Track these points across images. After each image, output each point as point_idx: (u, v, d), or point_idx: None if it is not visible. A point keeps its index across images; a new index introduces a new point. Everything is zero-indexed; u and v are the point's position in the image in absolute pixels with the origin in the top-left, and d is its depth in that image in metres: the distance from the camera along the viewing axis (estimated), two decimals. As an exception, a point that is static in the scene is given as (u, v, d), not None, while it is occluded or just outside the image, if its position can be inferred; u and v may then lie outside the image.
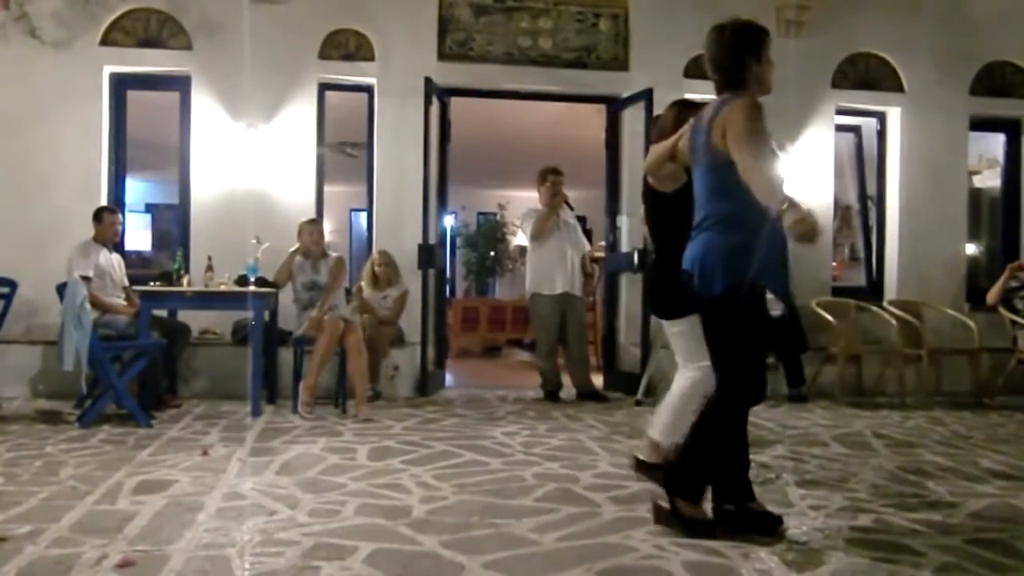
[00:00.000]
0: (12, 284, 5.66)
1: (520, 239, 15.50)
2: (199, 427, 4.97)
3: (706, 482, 2.95)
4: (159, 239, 12.95)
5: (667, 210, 3.62)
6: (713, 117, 2.90)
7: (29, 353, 6.17)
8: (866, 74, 7.37)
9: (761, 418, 5.44)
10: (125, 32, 6.53)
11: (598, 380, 7.45)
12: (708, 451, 2.92)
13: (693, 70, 7.03)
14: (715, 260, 2.85)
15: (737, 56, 2.93)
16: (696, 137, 3.03)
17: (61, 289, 5.06)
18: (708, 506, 2.96)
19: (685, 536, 2.83)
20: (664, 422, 3.58)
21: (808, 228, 2.57)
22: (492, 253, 14.90)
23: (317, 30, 6.67)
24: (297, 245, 5.93)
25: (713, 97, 3.06)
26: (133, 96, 6.74)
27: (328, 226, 7.65)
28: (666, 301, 3.71)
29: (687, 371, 3.59)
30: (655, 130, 3.82)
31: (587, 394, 6.48)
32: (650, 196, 3.72)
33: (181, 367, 6.18)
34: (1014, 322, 6.75)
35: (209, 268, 5.84)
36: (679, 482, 2.94)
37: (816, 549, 2.74)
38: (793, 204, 2.63)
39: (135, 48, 6.53)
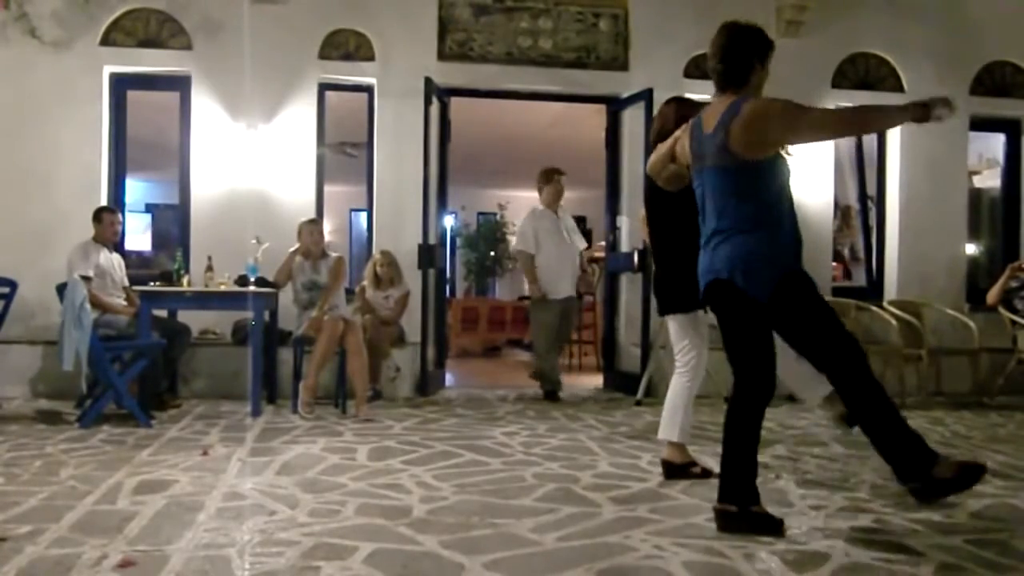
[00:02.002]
0: (12, 284, 5.67)
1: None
2: (199, 427, 4.97)
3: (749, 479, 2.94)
4: (159, 239, 12.96)
5: (670, 209, 3.65)
6: (729, 119, 2.87)
7: (29, 353, 6.17)
8: (866, 74, 7.37)
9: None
10: (125, 32, 6.53)
11: (598, 380, 7.48)
12: (740, 451, 2.93)
13: (693, 70, 7.04)
14: (757, 260, 2.88)
15: (745, 56, 2.97)
16: (702, 140, 3.01)
17: (61, 289, 5.06)
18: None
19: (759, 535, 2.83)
20: (672, 421, 3.75)
21: (941, 106, 2.69)
22: (492, 253, 14.91)
23: (317, 30, 6.67)
24: (297, 245, 5.93)
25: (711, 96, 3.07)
26: (133, 96, 6.74)
27: (328, 226, 7.66)
28: (668, 297, 3.76)
29: (681, 366, 3.79)
30: (655, 127, 3.85)
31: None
32: (654, 195, 3.74)
33: (181, 367, 6.18)
34: (1014, 322, 6.75)
35: (209, 268, 5.84)
36: (733, 489, 2.94)
37: (816, 549, 2.74)
38: (905, 107, 2.77)
39: (135, 48, 6.53)
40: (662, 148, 3.44)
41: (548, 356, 6.56)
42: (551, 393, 6.47)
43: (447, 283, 9.18)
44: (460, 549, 2.70)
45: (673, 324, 3.84)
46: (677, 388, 3.79)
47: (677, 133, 3.33)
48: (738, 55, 2.96)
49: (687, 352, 3.79)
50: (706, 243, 3.04)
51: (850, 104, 7.14)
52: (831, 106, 7.08)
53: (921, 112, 2.74)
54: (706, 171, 3.01)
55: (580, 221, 15.67)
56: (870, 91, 7.34)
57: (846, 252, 8.52)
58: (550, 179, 6.62)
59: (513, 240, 15.17)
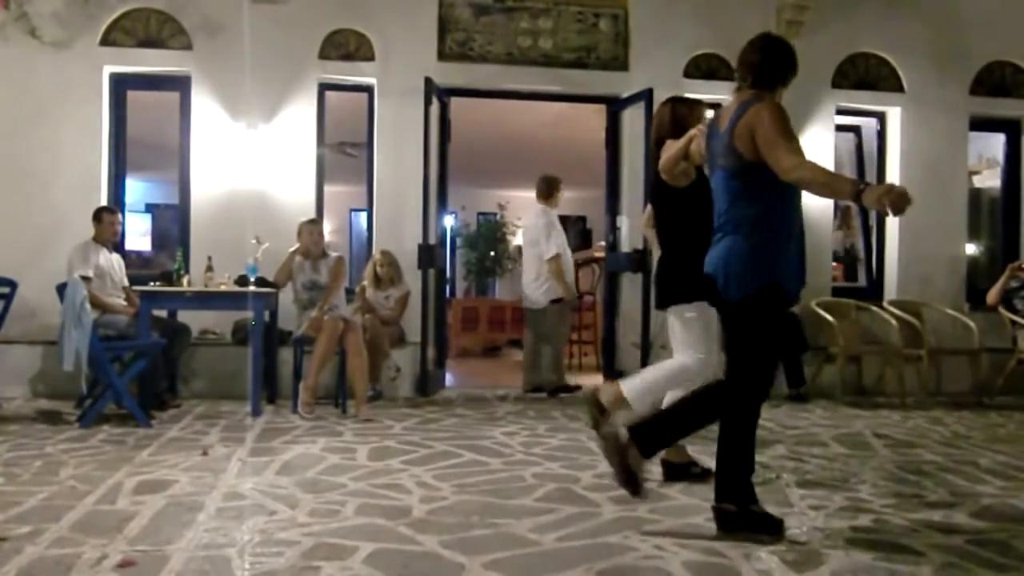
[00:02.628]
0: (12, 284, 5.66)
1: (522, 239, 15.53)
2: (199, 427, 4.97)
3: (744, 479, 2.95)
4: (159, 239, 12.96)
5: (677, 204, 3.65)
6: (736, 120, 2.90)
7: (29, 353, 6.17)
8: (866, 74, 7.36)
9: (761, 418, 5.41)
10: (125, 32, 6.53)
11: (598, 380, 7.47)
12: (734, 449, 2.95)
13: (693, 70, 7.04)
14: (739, 263, 2.88)
15: (779, 70, 3.00)
16: (714, 140, 3.03)
17: (61, 289, 5.05)
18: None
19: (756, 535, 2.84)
20: (639, 386, 3.67)
21: (897, 197, 2.52)
22: (492, 253, 14.90)
23: (317, 30, 6.67)
24: (297, 245, 5.93)
25: (724, 98, 3.09)
26: (133, 96, 6.73)
27: (328, 226, 7.66)
28: (668, 288, 3.73)
29: (682, 356, 3.66)
30: (652, 128, 3.87)
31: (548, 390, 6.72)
32: (661, 191, 3.73)
33: (181, 367, 6.18)
34: (1014, 322, 6.75)
35: (209, 268, 5.84)
36: (729, 488, 2.94)
37: (816, 549, 2.74)
38: (867, 184, 2.63)
39: (135, 48, 6.53)
40: (674, 146, 3.46)
41: (561, 355, 6.82)
42: (561, 389, 6.58)
43: (447, 283, 9.18)
44: (460, 549, 2.70)
45: (673, 319, 3.82)
46: (664, 365, 3.73)
47: (692, 132, 3.35)
48: (770, 69, 2.99)
49: (686, 351, 3.76)
50: (713, 240, 3.07)
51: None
52: (831, 107, 7.19)
53: (862, 196, 2.61)
54: (716, 170, 3.03)
55: (580, 221, 15.80)
56: (870, 91, 7.35)
57: (854, 246, 8.51)
58: (560, 186, 6.79)
59: (513, 240, 15.27)
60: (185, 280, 5.85)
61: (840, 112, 7.31)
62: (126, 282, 5.91)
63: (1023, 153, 7.79)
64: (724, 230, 2.97)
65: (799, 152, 2.78)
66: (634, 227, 6.68)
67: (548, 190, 6.74)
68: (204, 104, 6.55)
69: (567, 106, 8.19)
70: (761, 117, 2.83)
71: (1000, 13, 7.41)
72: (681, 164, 3.44)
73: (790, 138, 2.81)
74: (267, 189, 6.55)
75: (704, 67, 7.03)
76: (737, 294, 2.89)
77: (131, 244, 9.47)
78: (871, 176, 7.71)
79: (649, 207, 4.08)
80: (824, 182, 2.75)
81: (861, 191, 2.58)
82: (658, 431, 2.99)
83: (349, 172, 8.95)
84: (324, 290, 5.80)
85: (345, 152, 9.54)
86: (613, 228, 7.26)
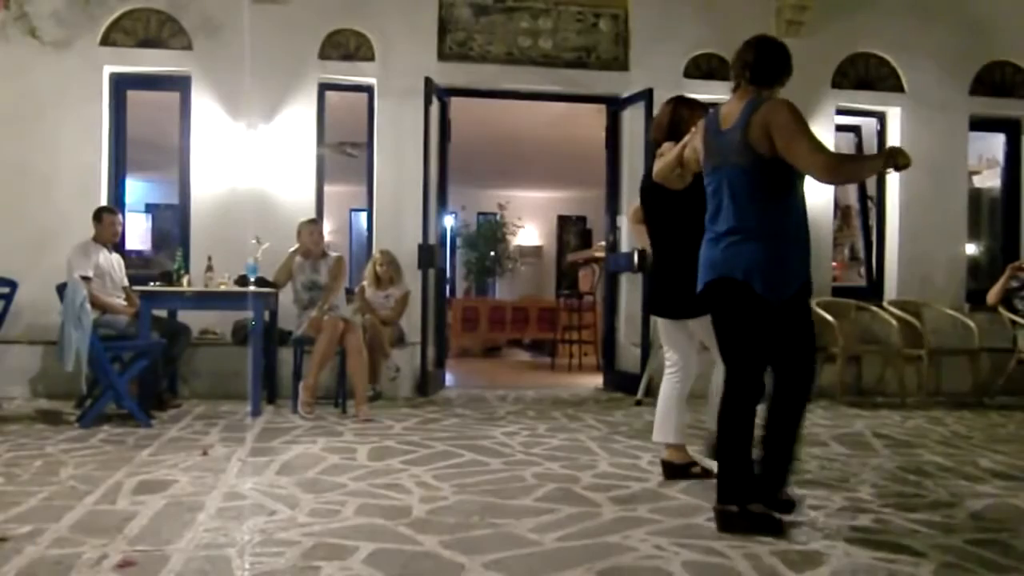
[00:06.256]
0: (12, 284, 5.67)
1: (522, 239, 15.60)
2: (199, 427, 4.97)
3: (771, 478, 3.01)
4: (159, 239, 12.96)
5: (673, 207, 3.63)
6: (748, 116, 2.90)
7: (29, 353, 6.17)
8: (866, 74, 7.36)
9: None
10: (125, 32, 6.53)
11: (598, 380, 7.49)
12: (736, 450, 2.97)
13: (693, 70, 7.04)
14: (779, 266, 2.91)
15: (775, 69, 3.03)
16: (719, 138, 3.02)
17: (61, 289, 5.06)
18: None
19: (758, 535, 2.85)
20: (659, 423, 3.77)
21: (904, 157, 2.76)
22: (492, 253, 14.92)
23: (317, 30, 6.67)
24: (297, 245, 5.93)
25: (724, 98, 3.08)
26: (133, 96, 6.73)
27: (328, 226, 7.67)
28: (687, 299, 3.72)
29: (714, 360, 3.68)
30: (652, 127, 3.86)
31: None
32: (654, 192, 3.72)
33: (181, 367, 6.18)
34: (1014, 322, 6.75)
35: (209, 268, 5.84)
36: (730, 489, 2.95)
37: (816, 549, 2.74)
38: (890, 149, 2.82)
39: (135, 48, 6.53)
40: (669, 155, 3.45)
41: None
42: None
43: (447, 283, 9.18)
44: (460, 549, 2.70)
45: (672, 325, 3.82)
46: (667, 389, 3.79)
47: (686, 139, 3.33)
48: (773, 63, 3.03)
49: (680, 353, 3.79)
50: (716, 240, 3.02)
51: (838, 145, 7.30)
52: (831, 107, 7.19)
53: (890, 161, 2.79)
54: (726, 169, 2.99)
55: (580, 221, 15.82)
56: (870, 91, 7.35)
57: (845, 252, 8.50)
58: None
59: (513, 240, 15.29)
60: (185, 280, 5.85)
61: (840, 112, 7.31)
62: (126, 282, 5.91)
63: (1023, 153, 7.79)
64: (743, 232, 2.93)
65: (823, 147, 2.85)
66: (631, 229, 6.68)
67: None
68: (204, 104, 6.55)
69: (567, 106, 8.19)
70: (777, 116, 2.85)
71: (1000, 13, 7.41)
72: (676, 170, 3.43)
73: (811, 135, 2.85)
74: (267, 189, 6.55)
75: (704, 67, 7.03)
76: (781, 296, 2.91)
77: (131, 244, 9.47)
78: (871, 178, 7.69)
79: (637, 202, 4.04)
80: (854, 168, 3.06)
81: (890, 155, 2.77)
82: (749, 473, 2.95)
83: (349, 172, 8.95)
84: (324, 290, 5.80)
85: (345, 152, 9.54)
86: (613, 228, 7.26)
